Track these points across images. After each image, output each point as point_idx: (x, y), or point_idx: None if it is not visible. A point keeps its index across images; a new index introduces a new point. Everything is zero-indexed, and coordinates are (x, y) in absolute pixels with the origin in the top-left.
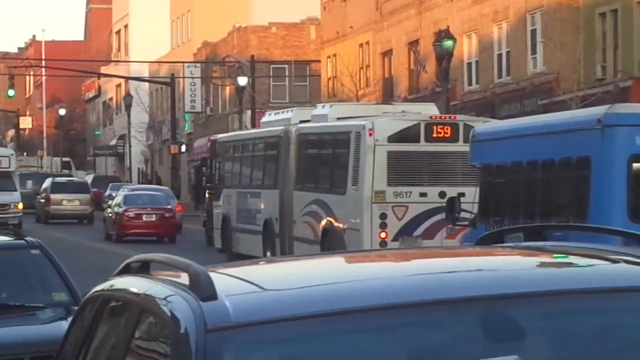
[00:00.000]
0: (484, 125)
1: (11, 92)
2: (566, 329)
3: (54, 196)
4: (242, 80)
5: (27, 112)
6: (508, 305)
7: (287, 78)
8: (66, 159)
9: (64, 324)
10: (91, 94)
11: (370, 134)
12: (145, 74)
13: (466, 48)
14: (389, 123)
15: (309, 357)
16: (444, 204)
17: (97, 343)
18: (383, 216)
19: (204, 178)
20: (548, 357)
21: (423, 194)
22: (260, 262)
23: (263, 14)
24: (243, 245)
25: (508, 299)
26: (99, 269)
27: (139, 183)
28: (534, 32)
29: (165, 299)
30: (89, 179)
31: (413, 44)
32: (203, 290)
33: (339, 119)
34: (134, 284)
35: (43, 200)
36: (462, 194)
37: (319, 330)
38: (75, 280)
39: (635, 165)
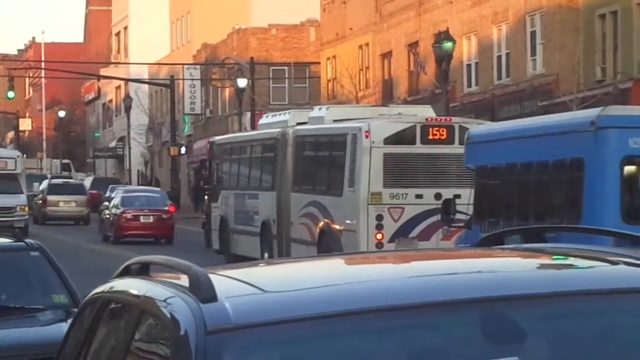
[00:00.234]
0: (478, 127)
1: (11, 94)
2: (566, 331)
3: (50, 198)
4: (242, 82)
5: (27, 114)
6: (508, 307)
7: (286, 80)
8: (66, 160)
9: (64, 326)
10: (91, 96)
11: (367, 136)
12: (145, 75)
13: (466, 50)
14: (385, 125)
15: (308, 359)
16: (440, 206)
17: (97, 345)
18: (379, 217)
19: (202, 180)
20: (548, 359)
21: (419, 196)
22: (260, 264)
23: (262, 15)
24: (241, 247)
25: (508, 301)
26: (97, 270)
27: (138, 185)
28: (533, 33)
29: (165, 300)
30: (88, 180)
31: (413, 46)
32: (203, 292)
33: (335, 121)
34: (133, 286)
35: (40, 202)
36: (457, 196)
37: (318, 332)
38: (74, 282)
39: (628, 167)
